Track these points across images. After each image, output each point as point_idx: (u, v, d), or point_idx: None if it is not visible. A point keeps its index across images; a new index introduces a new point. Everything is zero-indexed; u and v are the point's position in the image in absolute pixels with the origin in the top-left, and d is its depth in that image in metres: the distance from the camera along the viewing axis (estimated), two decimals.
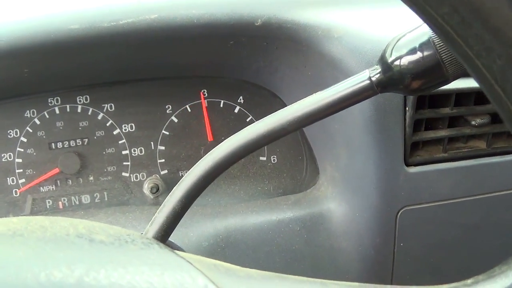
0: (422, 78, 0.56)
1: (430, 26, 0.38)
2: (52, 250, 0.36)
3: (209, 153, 0.59)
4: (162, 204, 0.59)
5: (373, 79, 0.57)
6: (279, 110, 0.58)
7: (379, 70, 0.57)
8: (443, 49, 0.54)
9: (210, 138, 0.93)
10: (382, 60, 0.58)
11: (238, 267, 0.39)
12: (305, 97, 0.58)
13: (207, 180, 0.59)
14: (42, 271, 0.32)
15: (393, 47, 0.58)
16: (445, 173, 0.81)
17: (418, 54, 0.55)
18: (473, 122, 0.82)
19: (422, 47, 0.55)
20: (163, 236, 0.60)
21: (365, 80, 0.57)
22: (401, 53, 0.56)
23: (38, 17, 0.72)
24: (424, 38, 0.55)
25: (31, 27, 0.71)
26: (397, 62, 0.56)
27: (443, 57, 0.54)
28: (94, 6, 0.73)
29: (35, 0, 0.76)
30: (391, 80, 0.57)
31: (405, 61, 0.56)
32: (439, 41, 0.54)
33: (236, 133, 0.59)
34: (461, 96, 0.81)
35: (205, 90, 0.92)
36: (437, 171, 0.81)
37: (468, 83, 0.79)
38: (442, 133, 0.81)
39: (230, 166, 0.60)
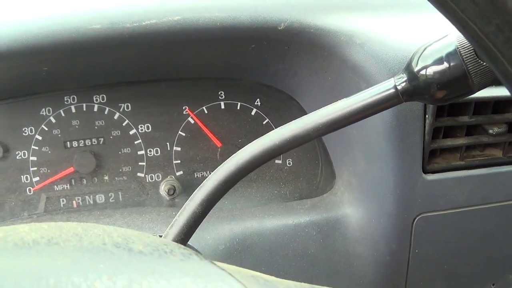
0: (448, 88, 0.56)
1: (473, 44, 0.38)
2: (92, 260, 0.35)
3: (231, 156, 0.58)
4: (183, 207, 0.58)
5: (399, 87, 0.57)
6: (303, 116, 0.58)
7: (405, 78, 0.57)
8: (469, 60, 0.54)
9: (218, 144, 0.92)
10: (408, 69, 0.58)
11: (275, 278, 0.39)
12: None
13: (228, 184, 0.59)
14: (83, 283, 0.31)
15: (419, 56, 0.58)
16: (462, 180, 0.82)
17: (445, 65, 0.55)
18: (490, 131, 0.82)
19: (448, 57, 0.55)
20: (183, 239, 0.60)
21: (391, 88, 0.57)
22: (427, 63, 0.56)
23: (60, 15, 0.72)
24: (450, 48, 0.55)
25: (52, 25, 0.71)
26: (423, 72, 0.56)
27: (469, 68, 0.54)
28: (117, 6, 0.73)
29: None
30: (417, 89, 0.57)
31: (431, 71, 0.56)
32: (466, 52, 0.54)
33: (260, 138, 0.59)
34: (480, 104, 0.81)
35: (223, 92, 0.92)
36: (454, 178, 0.81)
37: (487, 92, 0.78)
38: (460, 141, 0.81)
39: (252, 171, 0.60)
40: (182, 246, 0.41)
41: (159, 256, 0.37)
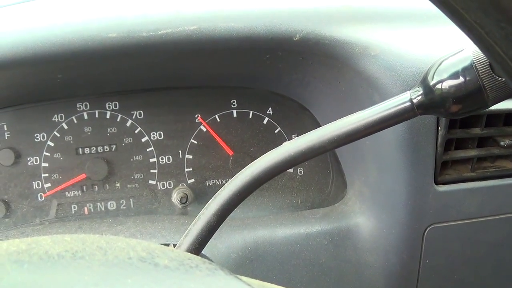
0: (463, 102, 0.56)
1: (495, 64, 0.38)
2: (119, 276, 0.35)
3: (247, 167, 0.59)
4: (197, 217, 0.59)
5: (414, 101, 0.57)
6: (318, 128, 0.58)
7: (421, 92, 0.58)
8: (485, 75, 0.54)
9: (230, 152, 0.93)
10: (424, 83, 0.58)
11: None
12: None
13: (243, 195, 0.59)
14: None
15: (435, 70, 0.58)
16: (473, 192, 0.82)
17: (460, 79, 0.55)
18: (502, 143, 0.83)
19: (464, 72, 0.55)
20: (197, 249, 0.60)
21: (407, 102, 0.58)
22: (443, 77, 0.56)
23: (76, 24, 0.72)
24: (466, 63, 0.55)
25: (69, 33, 0.71)
26: (438, 86, 0.56)
27: (484, 83, 0.54)
28: (133, 16, 0.73)
29: (74, 7, 0.76)
30: (432, 103, 0.57)
31: (446, 85, 0.56)
32: (482, 67, 0.55)
33: (275, 149, 0.59)
34: (491, 117, 0.81)
35: (235, 100, 0.92)
36: (465, 190, 0.82)
37: (499, 105, 0.78)
38: (472, 152, 0.82)
39: (266, 181, 0.60)
40: (207, 260, 0.41)
41: (186, 271, 0.37)
